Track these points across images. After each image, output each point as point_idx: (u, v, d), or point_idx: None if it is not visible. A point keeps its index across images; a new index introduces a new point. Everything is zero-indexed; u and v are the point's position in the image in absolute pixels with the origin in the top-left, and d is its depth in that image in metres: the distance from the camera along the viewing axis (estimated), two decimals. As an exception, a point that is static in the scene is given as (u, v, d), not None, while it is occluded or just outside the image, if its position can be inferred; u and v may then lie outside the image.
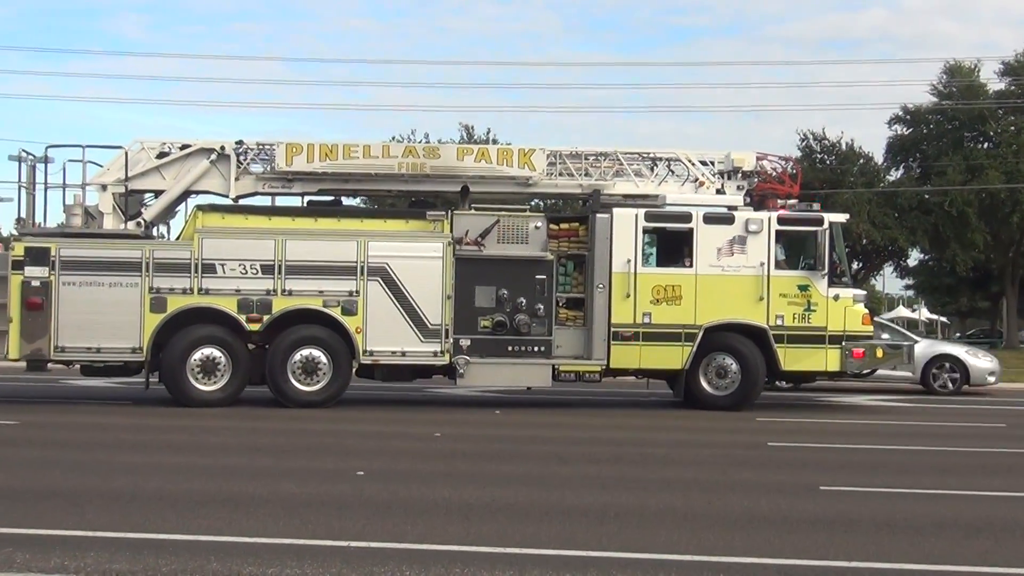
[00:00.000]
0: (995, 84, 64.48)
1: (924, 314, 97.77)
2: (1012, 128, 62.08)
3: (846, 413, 23.16)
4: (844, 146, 64.59)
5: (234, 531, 10.01)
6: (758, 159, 23.80)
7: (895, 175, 66.69)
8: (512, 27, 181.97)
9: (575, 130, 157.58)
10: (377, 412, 21.41)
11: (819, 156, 64.54)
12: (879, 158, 66.34)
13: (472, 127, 66.33)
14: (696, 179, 23.22)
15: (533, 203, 24.76)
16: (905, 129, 66.27)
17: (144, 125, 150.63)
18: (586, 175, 23.17)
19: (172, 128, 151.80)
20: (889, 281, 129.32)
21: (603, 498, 11.91)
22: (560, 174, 23.15)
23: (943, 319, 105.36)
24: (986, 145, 64.06)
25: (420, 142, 57.67)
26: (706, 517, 11.04)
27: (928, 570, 9.14)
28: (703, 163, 23.39)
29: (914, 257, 72.12)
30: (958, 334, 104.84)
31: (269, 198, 23.11)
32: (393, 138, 60.46)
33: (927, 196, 61.26)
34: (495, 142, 61.36)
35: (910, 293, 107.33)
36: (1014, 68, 63.49)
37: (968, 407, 25.33)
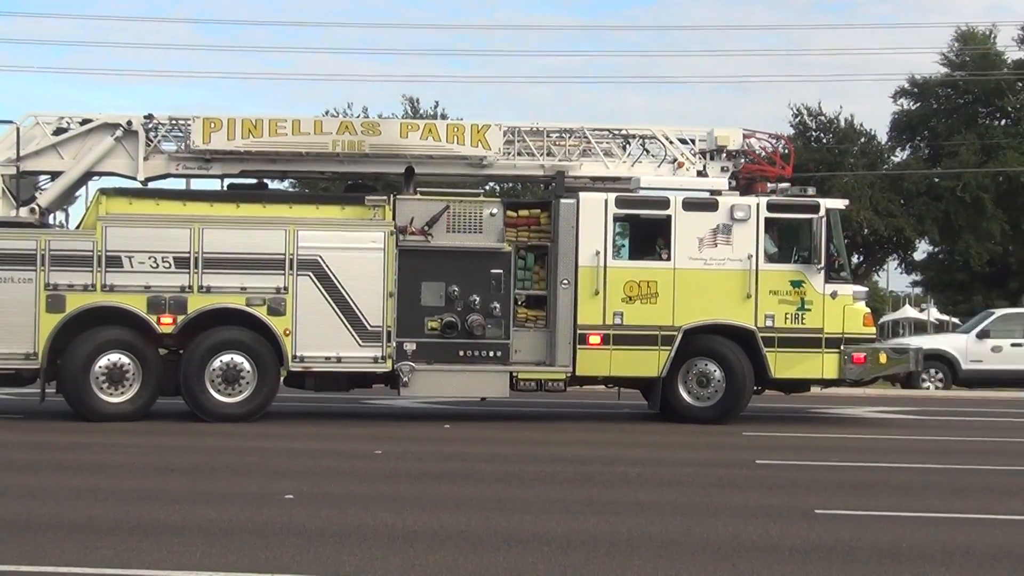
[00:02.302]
0: (1014, 53, 64.97)
1: (933, 314, 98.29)
2: None
3: (844, 427, 23.36)
4: (843, 123, 64.83)
5: (144, 563, 9.97)
6: (745, 137, 23.88)
7: (901, 156, 67.09)
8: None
9: (531, 104, 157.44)
10: (308, 427, 21.38)
11: (814, 134, 64.82)
12: (882, 136, 66.73)
13: (417, 100, 66.31)
14: (674, 159, 23.28)
15: (488, 187, 24.72)
16: (912, 104, 66.60)
17: (35, 96, 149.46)
18: (548, 155, 23.16)
19: (67, 100, 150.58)
20: (894, 277, 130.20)
21: (567, 524, 11.93)
22: (519, 154, 23.14)
23: (955, 320, 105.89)
24: (1004, 122, 64.45)
25: (358, 117, 57.59)
26: (686, 545, 11.10)
27: (939, 604, 9.25)
28: (682, 141, 23.45)
29: (922, 249, 72.55)
30: None
31: (183, 181, 23.02)
32: (327, 112, 60.40)
33: (937, 180, 61.54)
34: (444, 117, 61.32)
35: (917, 291, 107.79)
36: None
37: (986, 419, 25.59)
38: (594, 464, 16.69)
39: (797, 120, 65.14)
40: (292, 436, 19.76)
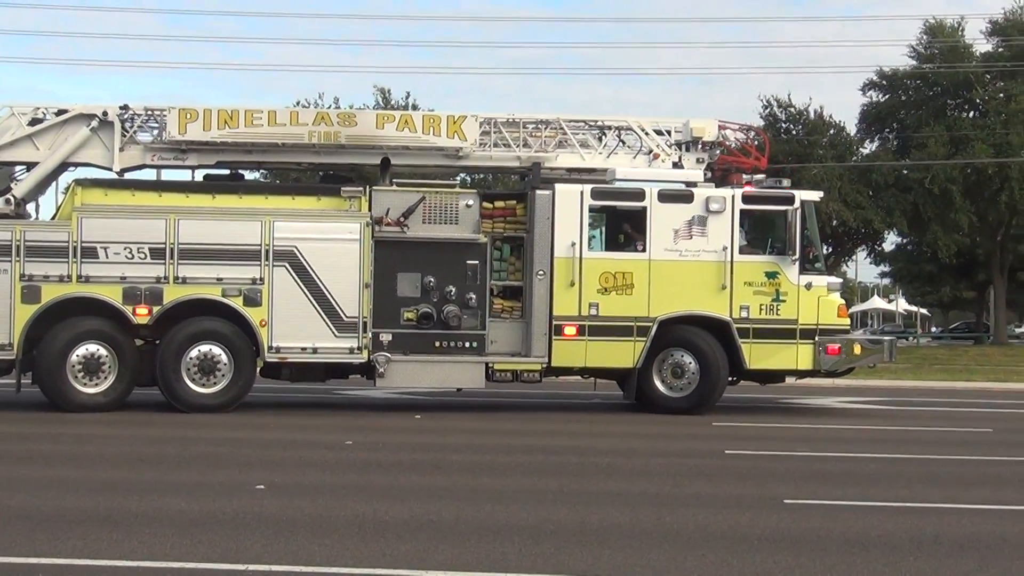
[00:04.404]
0: (982, 46, 65.46)
1: (902, 305, 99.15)
2: (1001, 95, 62.73)
3: (813, 417, 23.41)
4: (812, 114, 65.11)
5: (114, 554, 9.93)
6: (720, 128, 23.99)
7: (870, 148, 67.48)
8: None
9: (501, 94, 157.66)
10: (282, 417, 21.31)
11: (784, 125, 64.93)
12: (851, 128, 67.16)
13: (389, 90, 66.06)
14: (650, 151, 23.35)
15: (461, 177, 24.73)
16: (881, 96, 67.00)
17: (2, 86, 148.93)
18: (525, 146, 23.20)
19: (35, 90, 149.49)
20: (863, 268, 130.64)
21: (539, 514, 11.95)
22: (495, 145, 23.17)
23: (923, 311, 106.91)
24: (972, 114, 64.86)
25: (331, 107, 57.35)
26: (655, 535, 11.10)
27: (905, 593, 9.28)
28: (658, 132, 23.52)
29: (891, 241, 73.19)
30: (938, 328, 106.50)
31: (159, 171, 22.95)
32: (299, 103, 60.17)
33: (905, 171, 61.99)
34: (415, 107, 61.17)
35: (886, 282, 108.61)
36: (1003, 28, 64.22)
37: (951, 410, 25.73)
38: (565, 454, 16.72)
39: (767, 111, 65.37)
40: (264, 427, 19.69)
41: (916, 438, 20.08)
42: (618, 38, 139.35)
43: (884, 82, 65.87)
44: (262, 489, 13.09)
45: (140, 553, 9.94)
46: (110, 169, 22.53)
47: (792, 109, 65.28)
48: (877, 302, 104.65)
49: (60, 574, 9.30)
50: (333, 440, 17.77)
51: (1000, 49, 63.93)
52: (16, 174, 22.85)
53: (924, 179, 59.32)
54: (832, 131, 64.88)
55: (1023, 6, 64.14)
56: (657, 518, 11.88)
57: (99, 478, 13.91)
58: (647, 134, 23.43)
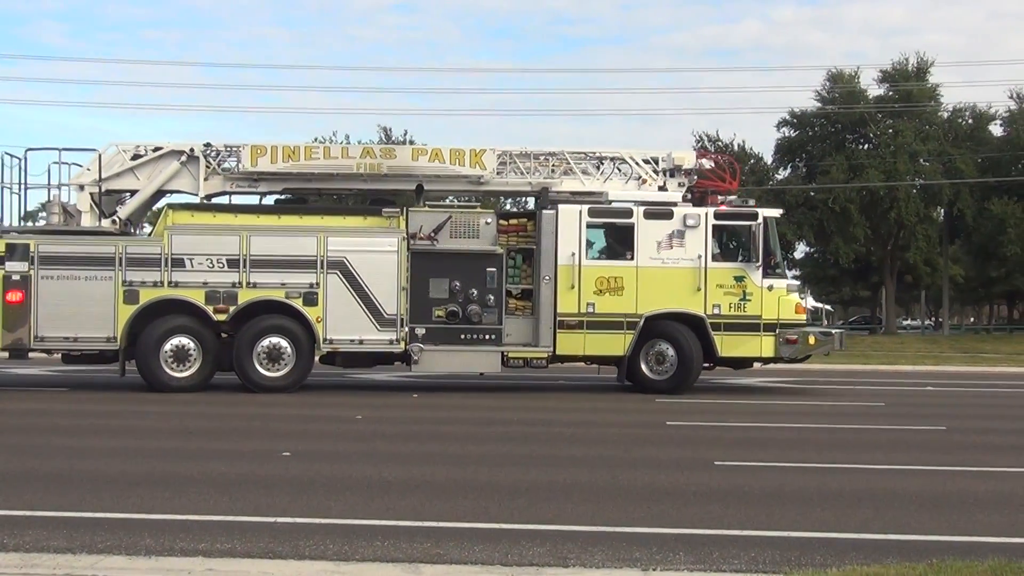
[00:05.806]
0: (874, 90, 66.64)
1: (810, 302, 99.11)
2: (890, 131, 63.84)
3: (738, 394, 23.32)
4: (736, 147, 66.05)
5: (166, 509, 10.02)
6: (698, 157, 23.98)
7: (783, 174, 68.28)
8: (414, 35, 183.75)
9: (479, 132, 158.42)
10: (302, 397, 20.98)
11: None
12: (768, 158, 68.18)
13: (390, 129, 66.38)
14: (639, 177, 23.27)
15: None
16: (792, 132, 68.10)
17: (71, 126, 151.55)
18: (535, 173, 23.18)
19: (96, 130, 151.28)
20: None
21: (514, 475, 12.00)
22: (511, 173, 23.17)
23: (827, 307, 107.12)
24: (866, 146, 66.06)
25: (349, 143, 57.58)
26: (610, 491, 11.14)
27: (815, 537, 9.23)
28: (646, 161, 23.42)
29: (801, 250, 73.88)
30: (840, 321, 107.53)
31: (236, 196, 23.19)
32: (315, 139, 60.42)
33: (813, 193, 63.16)
34: (412, 143, 61.36)
35: (797, 283, 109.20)
36: (891, 76, 65.76)
37: (852, 388, 25.63)
38: (537, 426, 16.66)
39: (699, 145, 65.85)
40: (288, 404, 19.51)
41: (823, 410, 20.01)
42: (576, 85, 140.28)
43: (794, 120, 67.43)
44: (288, 456, 13.16)
45: (188, 508, 10.04)
46: (196, 195, 22.73)
47: (719, 143, 66.26)
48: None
49: (122, 526, 9.36)
50: (346, 415, 17.79)
51: (889, 93, 65.44)
52: (122, 199, 23.13)
53: (828, 200, 61.05)
54: (752, 160, 66.32)
55: (907, 59, 66.01)
56: (611, 477, 11.91)
57: (154, 447, 13.97)
58: (637, 163, 23.35)
